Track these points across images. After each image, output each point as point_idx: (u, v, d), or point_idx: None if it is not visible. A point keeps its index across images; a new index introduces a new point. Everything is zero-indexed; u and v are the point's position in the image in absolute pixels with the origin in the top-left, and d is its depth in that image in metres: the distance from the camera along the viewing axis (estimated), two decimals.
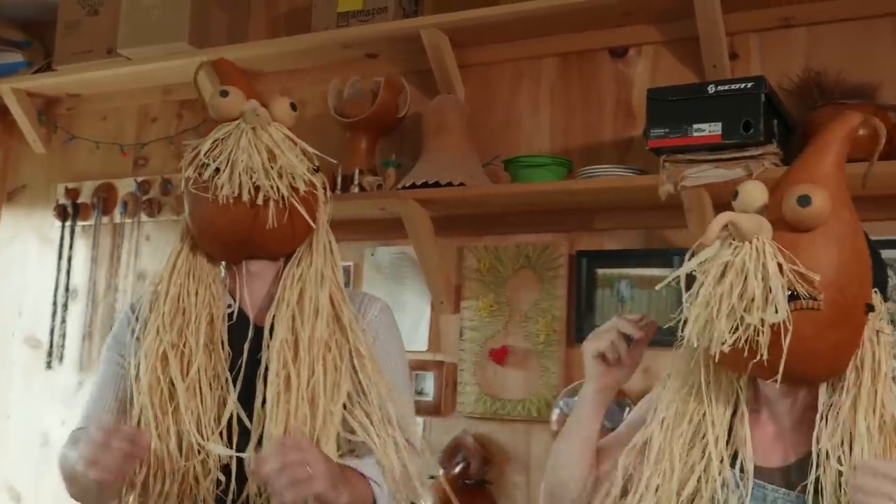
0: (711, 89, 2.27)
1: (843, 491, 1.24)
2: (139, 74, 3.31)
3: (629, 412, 2.10)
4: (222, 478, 1.63)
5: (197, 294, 1.74)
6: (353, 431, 1.64)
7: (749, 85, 2.23)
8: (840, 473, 1.26)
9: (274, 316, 1.71)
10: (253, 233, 1.70)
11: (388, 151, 2.90)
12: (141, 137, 3.51)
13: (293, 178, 1.70)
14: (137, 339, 1.73)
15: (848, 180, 1.30)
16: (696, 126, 2.27)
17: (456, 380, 2.80)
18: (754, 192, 1.30)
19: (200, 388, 1.67)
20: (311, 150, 1.78)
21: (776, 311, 1.21)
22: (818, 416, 1.31)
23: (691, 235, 2.38)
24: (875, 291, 1.32)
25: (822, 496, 1.28)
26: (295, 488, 1.42)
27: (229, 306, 1.78)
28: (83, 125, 3.64)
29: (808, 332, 1.23)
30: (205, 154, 1.70)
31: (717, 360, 1.31)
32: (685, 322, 1.30)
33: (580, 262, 2.68)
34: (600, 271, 2.65)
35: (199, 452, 1.62)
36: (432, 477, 2.59)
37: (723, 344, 1.24)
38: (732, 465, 1.37)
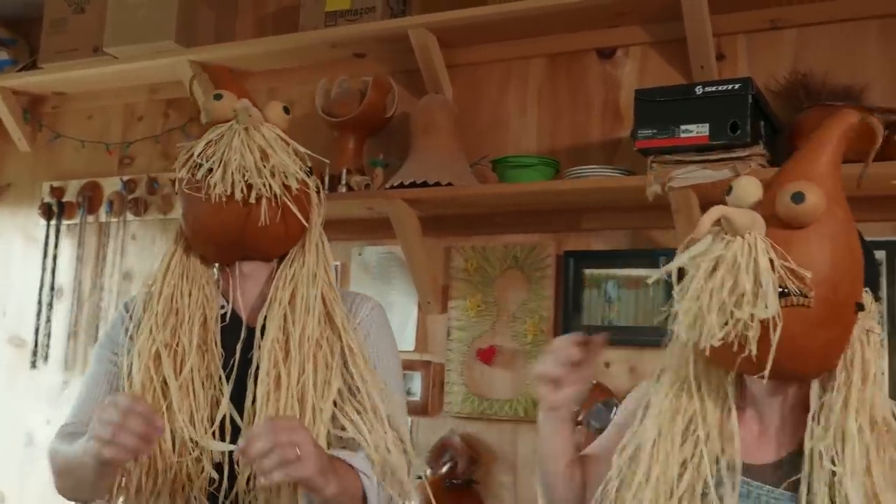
0: (699, 90, 2.29)
1: (836, 490, 1.25)
2: (125, 73, 3.29)
3: (616, 412, 2.10)
4: (216, 475, 1.62)
5: (190, 295, 1.75)
6: (343, 428, 1.63)
7: (736, 86, 2.24)
8: (833, 473, 1.26)
9: (265, 316, 1.72)
10: (246, 232, 1.70)
11: (376, 151, 2.90)
12: (127, 136, 3.50)
13: (285, 176, 1.70)
14: (131, 337, 1.73)
15: (843, 181, 1.30)
16: (683, 127, 2.28)
17: (443, 380, 2.80)
18: (749, 188, 1.30)
19: (193, 387, 1.67)
20: (302, 150, 1.78)
21: (766, 307, 1.21)
22: (810, 416, 1.32)
23: (678, 236, 2.38)
24: (866, 291, 1.32)
25: (814, 495, 1.28)
26: (283, 468, 1.40)
27: (222, 307, 1.78)
28: (69, 124, 3.63)
29: (797, 329, 1.23)
30: (198, 155, 1.71)
31: (706, 356, 1.31)
32: (675, 316, 1.30)
33: (567, 262, 2.68)
34: (588, 271, 2.66)
35: (192, 450, 1.62)
36: (419, 477, 2.59)
37: (712, 339, 1.24)
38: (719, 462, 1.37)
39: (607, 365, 2.58)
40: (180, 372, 1.68)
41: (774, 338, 1.21)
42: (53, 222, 3.54)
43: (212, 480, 1.63)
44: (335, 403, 1.65)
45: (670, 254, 1.34)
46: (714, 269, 1.25)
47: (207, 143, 1.71)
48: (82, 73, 3.33)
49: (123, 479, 1.63)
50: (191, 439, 1.62)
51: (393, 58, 2.94)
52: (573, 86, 2.78)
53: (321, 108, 2.90)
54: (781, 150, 2.31)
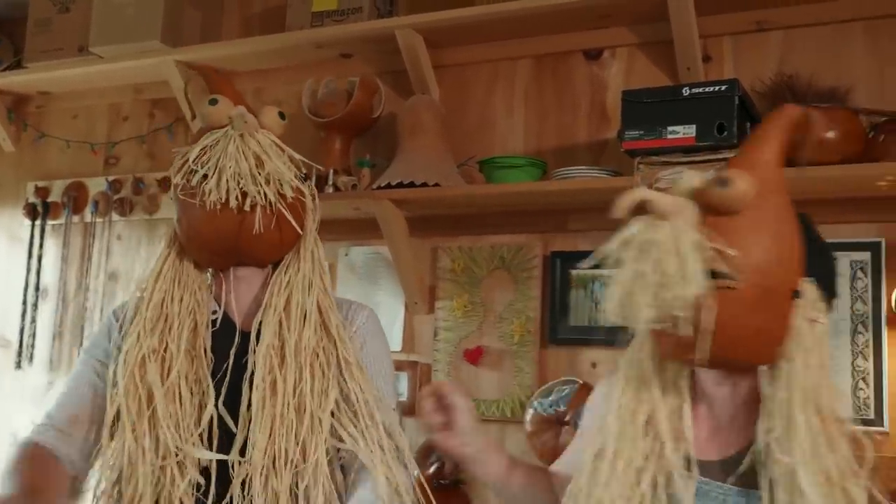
0: (686, 92, 2.29)
1: (792, 483, 1.25)
2: (111, 73, 3.28)
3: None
4: (202, 481, 1.61)
5: (181, 300, 1.74)
6: (340, 439, 1.63)
7: (723, 88, 2.25)
8: (786, 466, 1.26)
9: (261, 321, 1.71)
10: (240, 239, 1.70)
11: (363, 151, 2.90)
12: (112, 136, 3.49)
13: (280, 184, 1.70)
14: (118, 347, 1.72)
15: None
16: (670, 128, 2.29)
17: (430, 380, 2.79)
18: (686, 177, 1.31)
19: (180, 392, 1.66)
20: (298, 157, 1.78)
21: (692, 285, 1.21)
22: (761, 408, 1.32)
23: None
24: (810, 280, 1.32)
25: (769, 490, 1.28)
26: None
27: (214, 312, 1.77)
28: (53, 123, 3.61)
29: (727, 313, 1.24)
30: (193, 161, 1.70)
31: (652, 348, 1.34)
32: (606, 300, 1.31)
33: (554, 262, 2.69)
34: (574, 272, 2.66)
35: (175, 455, 1.61)
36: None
37: (642, 321, 1.25)
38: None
39: (594, 365, 2.59)
40: (167, 377, 1.66)
41: (704, 319, 1.22)
42: (38, 222, 3.53)
43: (198, 486, 1.62)
44: (332, 414, 1.65)
45: None
46: (643, 252, 1.25)
47: (202, 149, 1.71)
48: (67, 72, 3.31)
49: (102, 484, 1.63)
50: (176, 446, 1.61)
51: (380, 58, 2.94)
52: (560, 87, 2.78)
53: (308, 109, 2.89)
54: None
